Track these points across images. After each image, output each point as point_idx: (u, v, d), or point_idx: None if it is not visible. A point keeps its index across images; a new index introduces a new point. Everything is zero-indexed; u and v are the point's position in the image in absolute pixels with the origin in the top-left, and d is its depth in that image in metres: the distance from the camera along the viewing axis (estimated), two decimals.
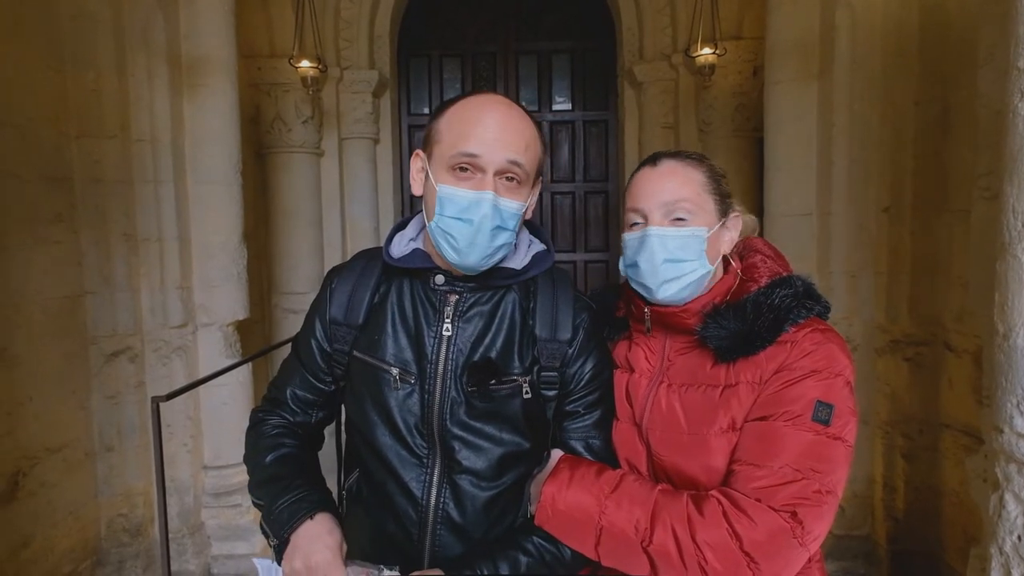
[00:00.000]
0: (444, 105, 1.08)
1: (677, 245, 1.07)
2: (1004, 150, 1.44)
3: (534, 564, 1.06)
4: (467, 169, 1.02)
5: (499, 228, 1.03)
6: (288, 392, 1.21)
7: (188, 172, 3.07)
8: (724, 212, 1.12)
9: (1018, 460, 1.42)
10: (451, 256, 1.04)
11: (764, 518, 0.94)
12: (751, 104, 4.47)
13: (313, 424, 1.22)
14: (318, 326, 1.18)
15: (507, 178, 1.03)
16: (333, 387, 1.20)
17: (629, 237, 1.13)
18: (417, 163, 1.11)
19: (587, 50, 5.55)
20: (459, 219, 1.01)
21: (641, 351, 1.16)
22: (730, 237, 1.14)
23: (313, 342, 1.18)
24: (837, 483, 0.97)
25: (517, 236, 1.15)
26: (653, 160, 1.13)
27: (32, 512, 2.50)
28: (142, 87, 2.87)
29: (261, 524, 1.10)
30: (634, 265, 1.11)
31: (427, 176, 1.07)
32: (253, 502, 1.14)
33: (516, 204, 1.04)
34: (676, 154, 1.13)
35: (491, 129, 1.01)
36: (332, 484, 1.21)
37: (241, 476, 3.25)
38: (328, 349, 1.17)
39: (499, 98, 1.06)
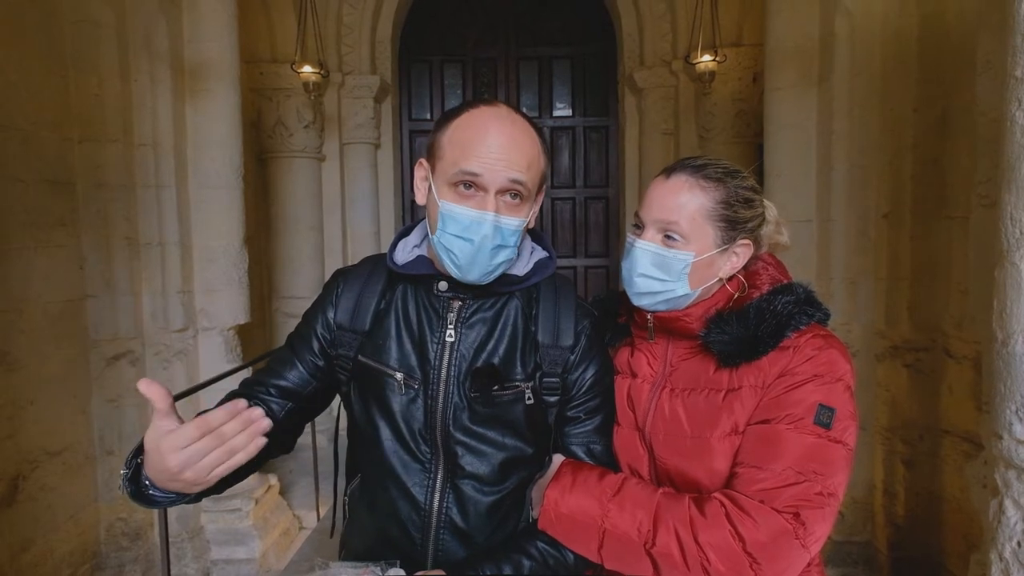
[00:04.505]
0: (447, 117, 1.07)
1: (656, 263, 1.07)
2: (1002, 158, 1.45)
3: (537, 568, 1.06)
4: (470, 187, 1.01)
5: (500, 247, 1.03)
6: (270, 375, 1.16)
7: (190, 177, 3.08)
8: (729, 239, 1.08)
9: (1017, 466, 1.42)
10: (453, 271, 1.05)
11: (767, 519, 0.95)
12: (751, 110, 4.49)
13: (280, 417, 1.13)
14: (320, 322, 1.17)
15: (510, 195, 1.03)
16: (314, 385, 1.16)
17: (628, 239, 1.15)
18: (420, 172, 1.11)
19: (587, 56, 5.58)
20: (460, 237, 1.01)
21: (643, 356, 1.17)
22: (732, 264, 1.10)
23: (311, 333, 1.17)
24: (838, 486, 0.98)
25: (520, 244, 1.16)
26: (671, 170, 1.11)
27: (32, 516, 2.50)
28: (144, 92, 2.89)
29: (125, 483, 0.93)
30: (622, 269, 1.14)
31: (430, 188, 1.07)
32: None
33: (517, 221, 1.04)
34: (699, 168, 1.08)
35: (494, 148, 1.00)
36: (328, 489, 1.19)
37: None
38: (328, 348, 1.16)
39: (503, 112, 1.05)
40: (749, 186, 1.10)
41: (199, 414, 0.86)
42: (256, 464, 1.07)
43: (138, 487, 0.91)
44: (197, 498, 0.98)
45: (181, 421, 0.85)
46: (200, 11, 3.03)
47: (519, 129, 1.04)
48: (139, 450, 0.90)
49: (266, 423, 0.83)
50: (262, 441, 0.83)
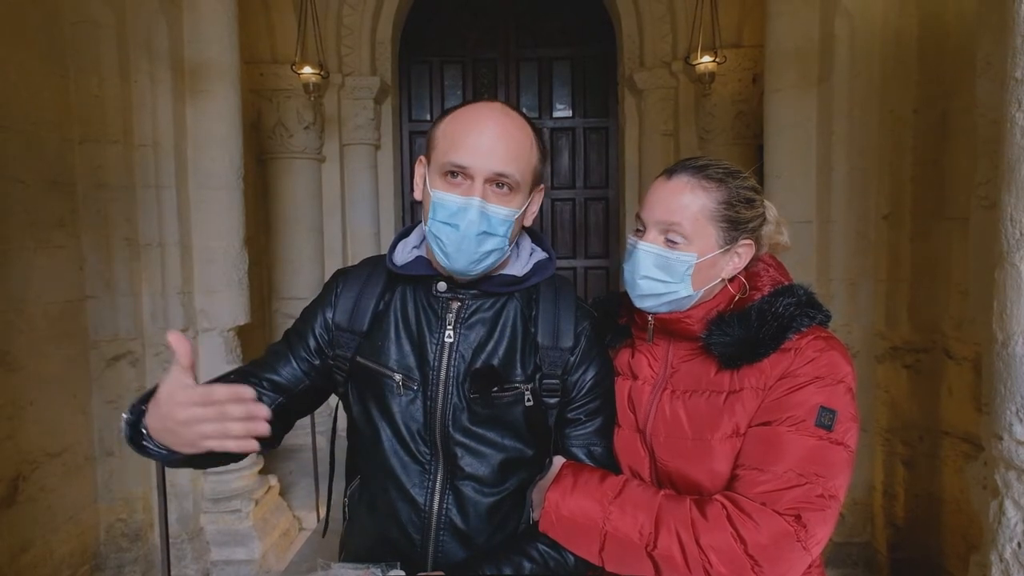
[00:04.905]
0: (444, 113, 1.10)
1: (659, 264, 1.07)
2: (1001, 159, 1.45)
3: (537, 570, 1.06)
4: (457, 175, 1.03)
5: (486, 234, 1.03)
6: (263, 368, 1.17)
7: (190, 177, 3.08)
8: (731, 239, 1.08)
9: (1017, 467, 1.42)
10: (441, 260, 1.06)
11: (768, 521, 0.95)
12: (751, 111, 4.49)
13: (270, 409, 1.16)
14: (318, 321, 1.17)
15: (497, 185, 1.04)
16: (306, 384, 1.16)
17: (629, 241, 1.14)
18: (420, 169, 1.12)
19: (587, 57, 5.58)
20: (447, 223, 1.03)
21: (644, 358, 1.17)
22: (734, 264, 1.11)
23: (308, 332, 1.17)
24: (839, 488, 0.98)
25: (518, 244, 1.16)
26: (672, 171, 1.11)
27: (32, 517, 2.50)
28: (145, 92, 2.89)
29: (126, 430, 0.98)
30: (623, 271, 1.13)
31: (426, 181, 1.09)
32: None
33: (506, 211, 1.05)
34: (700, 169, 1.08)
35: (482, 139, 1.02)
36: (326, 490, 1.18)
37: (241, 482, 3.25)
38: (325, 348, 1.17)
39: (496, 106, 1.07)
40: (750, 186, 1.10)
41: (208, 382, 0.91)
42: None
43: (135, 432, 0.95)
44: (182, 463, 1.02)
45: (195, 380, 0.89)
46: (200, 12, 3.03)
47: (510, 121, 1.06)
48: (145, 399, 0.95)
49: (264, 428, 0.85)
50: (254, 445, 0.86)
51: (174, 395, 0.88)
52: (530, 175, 1.08)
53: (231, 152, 3.16)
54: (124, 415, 0.97)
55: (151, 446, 0.94)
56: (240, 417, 0.84)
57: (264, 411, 0.85)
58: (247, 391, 0.86)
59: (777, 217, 1.16)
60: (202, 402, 0.85)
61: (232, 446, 0.86)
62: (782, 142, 3.17)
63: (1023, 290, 1.39)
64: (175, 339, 0.88)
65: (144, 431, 0.94)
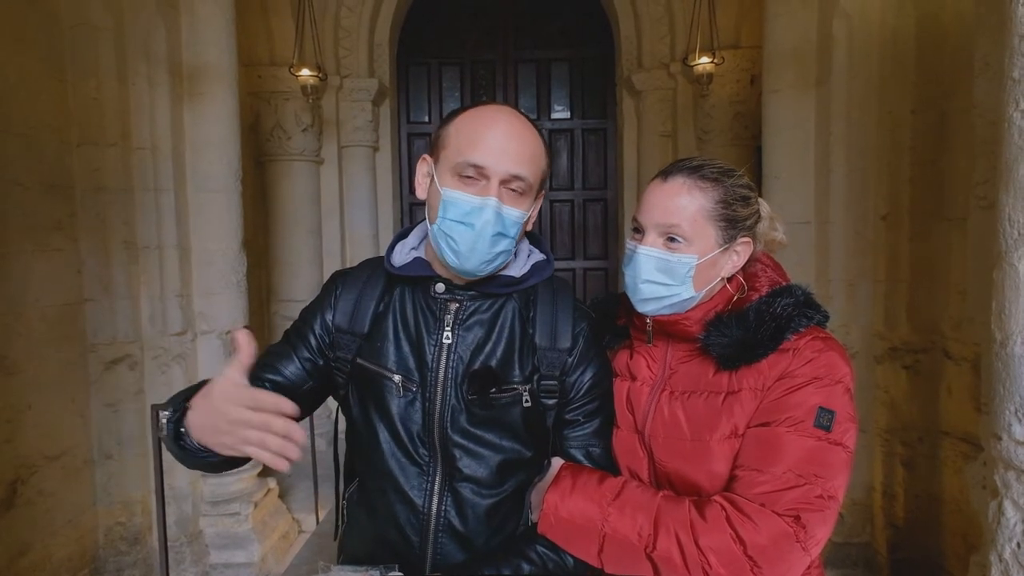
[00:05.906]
0: (454, 112, 1.10)
1: (660, 267, 1.07)
2: (999, 159, 1.45)
3: (536, 571, 1.06)
4: (472, 176, 1.03)
5: (500, 235, 1.04)
6: (266, 369, 1.15)
7: (188, 180, 3.08)
8: (730, 238, 1.08)
9: (1016, 467, 1.42)
10: (451, 259, 1.05)
11: (767, 522, 0.95)
12: (749, 112, 4.49)
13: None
14: (318, 323, 1.17)
15: (510, 187, 1.04)
16: (310, 384, 1.16)
17: (627, 245, 1.14)
18: (423, 167, 1.12)
19: (586, 59, 5.58)
20: (461, 223, 1.03)
21: (642, 359, 1.17)
22: (733, 262, 1.11)
23: (309, 332, 1.17)
24: (838, 488, 0.98)
25: (517, 245, 1.16)
26: (667, 172, 1.10)
27: (30, 520, 2.49)
28: (143, 96, 2.89)
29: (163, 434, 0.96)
30: (624, 275, 1.13)
31: (432, 180, 1.08)
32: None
33: (518, 212, 1.05)
34: (695, 169, 1.08)
35: (498, 140, 1.03)
36: (330, 492, 1.18)
37: (240, 484, 3.24)
38: (326, 350, 1.16)
39: (508, 110, 1.08)
40: (745, 184, 1.11)
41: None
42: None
43: (176, 432, 0.94)
44: (208, 467, 1.00)
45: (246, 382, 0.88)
46: (198, 15, 3.03)
47: (523, 125, 1.07)
48: (187, 396, 0.93)
49: (296, 453, 0.83)
50: (283, 464, 0.83)
51: (228, 392, 0.86)
52: (539, 179, 1.09)
53: (229, 155, 3.16)
54: (167, 411, 0.94)
55: (189, 444, 0.92)
56: (279, 432, 0.82)
57: (300, 434, 0.83)
58: (289, 406, 0.83)
59: (771, 213, 1.17)
60: (252, 405, 0.83)
61: (266, 458, 0.83)
62: (780, 143, 3.17)
63: (1021, 290, 1.39)
64: (243, 337, 0.87)
65: (184, 430, 0.92)
